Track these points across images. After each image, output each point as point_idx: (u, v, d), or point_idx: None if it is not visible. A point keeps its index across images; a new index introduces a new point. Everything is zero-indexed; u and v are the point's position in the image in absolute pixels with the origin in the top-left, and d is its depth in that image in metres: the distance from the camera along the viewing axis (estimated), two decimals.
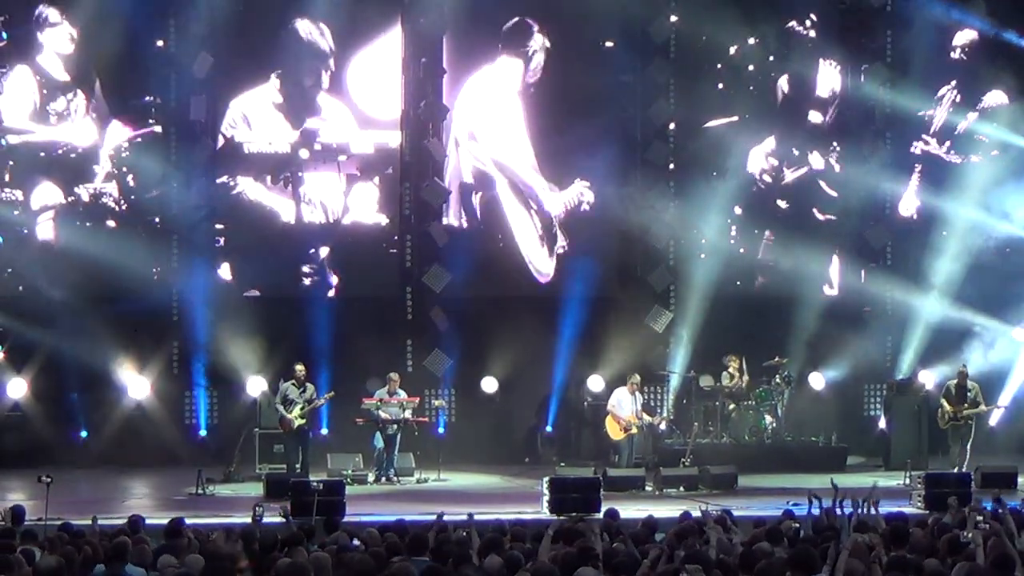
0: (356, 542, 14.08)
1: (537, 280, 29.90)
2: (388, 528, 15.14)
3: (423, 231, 29.06)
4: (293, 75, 28.89)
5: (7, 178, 27.92)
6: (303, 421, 25.45)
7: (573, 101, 29.42)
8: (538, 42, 29.75)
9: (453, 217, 29.65)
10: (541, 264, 30.06)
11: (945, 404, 26.46)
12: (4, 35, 27.55)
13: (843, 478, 20.25)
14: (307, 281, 29.22)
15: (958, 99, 31.08)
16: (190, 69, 27.89)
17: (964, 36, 31.04)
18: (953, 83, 31.05)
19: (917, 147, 31.01)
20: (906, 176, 30.80)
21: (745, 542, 13.28)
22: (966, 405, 26.37)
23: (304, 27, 28.80)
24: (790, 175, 30.67)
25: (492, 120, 29.91)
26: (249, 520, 15.40)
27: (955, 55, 31.13)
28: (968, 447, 26.21)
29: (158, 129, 28.39)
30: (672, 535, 13.62)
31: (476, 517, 16.04)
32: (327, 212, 29.21)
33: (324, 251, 29.23)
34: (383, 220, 29.44)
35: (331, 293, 29.00)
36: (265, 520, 15.35)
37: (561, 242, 30.05)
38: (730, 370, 28.28)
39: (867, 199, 30.35)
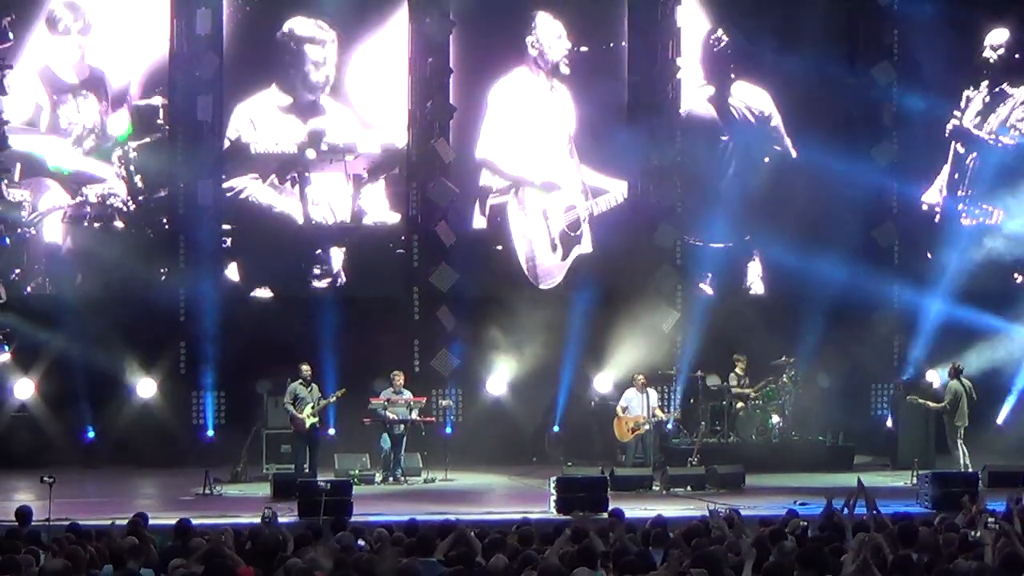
0: (361, 543, 14.09)
1: (536, 286, 29.89)
2: (397, 528, 15.16)
3: (430, 231, 29.04)
4: (296, 75, 28.90)
5: (17, 177, 27.95)
6: (316, 420, 25.46)
7: (601, 99, 29.45)
8: (556, 39, 29.79)
9: (479, 220, 29.71)
10: (546, 270, 30.04)
11: None
12: (11, 35, 27.55)
13: (850, 477, 20.20)
14: (314, 281, 29.23)
15: (987, 98, 31.16)
16: (196, 70, 27.93)
17: (997, 35, 31.14)
18: (985, 83, 31.15)
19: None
20: (914, 174, 30.79)
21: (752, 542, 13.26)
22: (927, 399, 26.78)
23: (304, 25, 28.81)
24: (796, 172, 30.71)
25: (521, 122, 29.89)
26: (258, 521, 15.39)
27: (987, 54, 31.20)
28: (952, 447, 26.09)
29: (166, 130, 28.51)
30: (680, 535, 13.61)
31: (484, 517, 16.07)
32: (334, 212, 29.22)
33: (331, 251, 29.23)
34: (390, 220, 29.44)
35: (338, 293, 28.97)
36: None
37: (587, 244, 30.04)
38: (737, 370, 28.30)
39: (874, 198, 30.35)
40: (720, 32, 30.52)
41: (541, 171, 30.00)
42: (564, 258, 30.09)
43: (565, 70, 29.82)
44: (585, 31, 29.97)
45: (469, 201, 29.58)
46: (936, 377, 29.09)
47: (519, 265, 29.92)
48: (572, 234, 30.10)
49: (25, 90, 27.82)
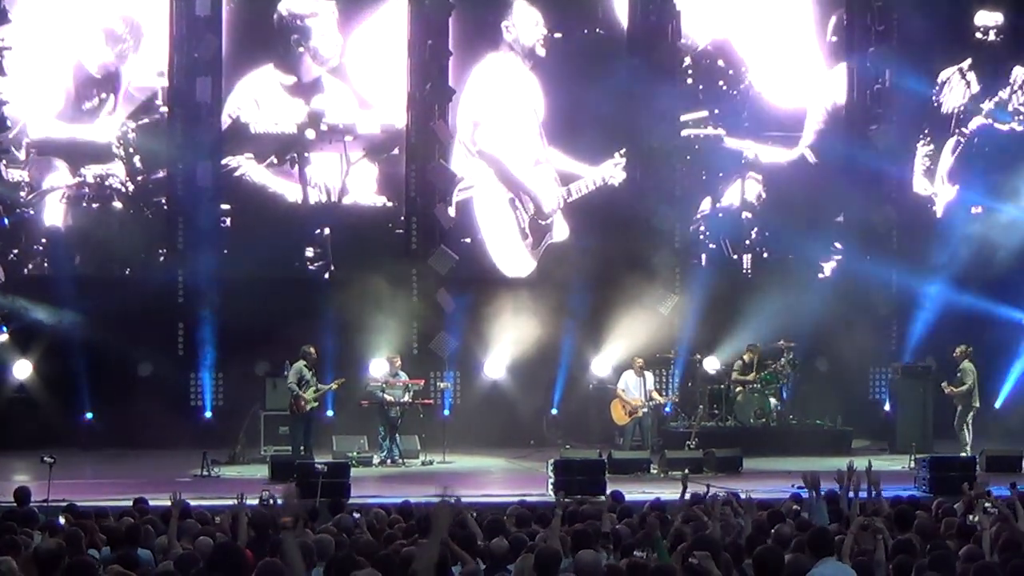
0: (357, 515, 14.11)
1: (506, 275, 29.87)
2: (394, 510, 15.17)
3: (428, 213, 29.01)
4: (303, 50, 28.87)
5: (23, 157, 28.00)
6: (316, 404, 25.47)
7: (580, 85, 29.36)
8: (533, 25, 29.76)
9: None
10: (517, 260, 30.00)
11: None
12: (10, 17, 27.49)
13: (846, 462, 20.16)
14: (312, 262, 29.23)
15: (974, 79, 31.12)
16: (196, 51, 27.89)
17: (986, 17, 31.08)
18: (967, 63, 31.09)
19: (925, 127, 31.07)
20: (911, 158, 30.79)
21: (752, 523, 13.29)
22: (952, 385, 26.59)
23: (306, 5, 28.78)
24: (792, 155, 30.73)
25: (493, 112, 29.86)
26: (255, 503, 15.37)
27: (979, 35, 31.16)
28: (960, 428, 26.18)
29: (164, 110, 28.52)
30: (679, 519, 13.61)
31: (482, 499, 16.06)
32: (332, 193, 29.21)
33: (328, 232, 29.21)
34: (388, 202, 29.43)
35: (335, 274, 28.96)
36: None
37: (560, 233, 29.99)
38: (744, 358, 28.23)
39: (873, 181, 30.37)
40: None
41: (516, 156, 29.96)
42: (536, 246, 30.07)
43: (541, 55, 29.80)
44: (561, 17, 29.93)
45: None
46: (935, 361, 29.16)
47: (489, 256, 29.88)
48: (542, 223, 30.07)
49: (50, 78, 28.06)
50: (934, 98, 31.05)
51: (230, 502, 17.85)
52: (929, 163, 31.15)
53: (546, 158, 30.00)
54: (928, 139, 31.22)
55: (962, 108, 31.29)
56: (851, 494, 14.25)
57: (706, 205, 30.60)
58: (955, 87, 31.16)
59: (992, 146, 31.17)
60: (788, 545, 11.43)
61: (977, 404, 26.40)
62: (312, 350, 25.59)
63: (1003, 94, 31.29)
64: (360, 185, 29.33)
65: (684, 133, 30.02)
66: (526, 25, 29.76)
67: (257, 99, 28.77)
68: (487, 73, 29.77)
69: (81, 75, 28.22)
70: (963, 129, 31.29)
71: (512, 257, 30.03)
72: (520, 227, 30.03)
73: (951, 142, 31.28)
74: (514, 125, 29.96)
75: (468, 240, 29.64)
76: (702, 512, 13.61)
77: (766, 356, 28.37)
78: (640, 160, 30.11)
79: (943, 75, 31.11)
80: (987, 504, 13.15)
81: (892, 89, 30.34)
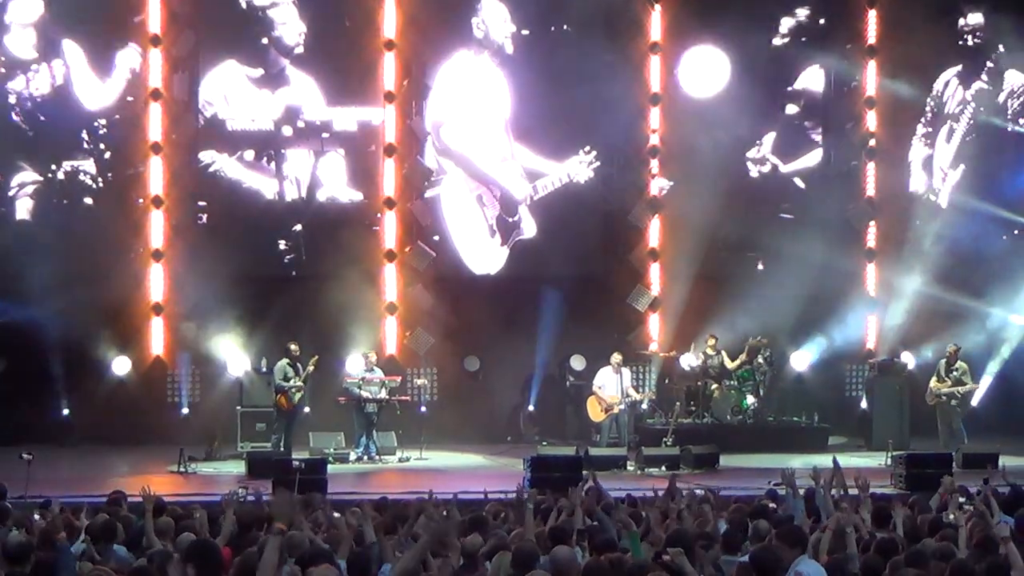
0: (338, 515, 14.11)
1: (475, 273, 29.83)
2: (371, 506, 15.12)
3: (405, 210, 28.98)
4: (261, 46, 28.79)
5: None
6: (302, 394, 25.53)
7: (556, 78, 29.33)
8: (502, 22, 29.72)
9: None
10: (485, 257, 29.95)
11: (932, 381, 26.71)
12: None
13: (823, 458, 20.22)
14: (289, 259, 29.16)
15: (959, 82, 31.16)
16: (172, 47, 27.83)
17: (973, 18, 31.10)
18: (959, 67, 31.12)
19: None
20: (890, 155, 30.82)
21: (730, 521, 13.31)
22: (948, 383, 26.58)
23: None
24: (773, 154, 30.73)
25: (460, 109, 29.80)
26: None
27: (967, 39, 31.19)
28: (952, 427, 26.35)
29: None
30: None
31: (458, 496, 16.02)
32: (308, 190, 29.14)
33: (305, 228, 29.14)
34: (364, 198, 29.36)
35: (312, 271, 28.89)
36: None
37: (528, 230, 29.94)
38: (708, 348, 28.30)
39: (849, 177, 30.45)
40: None
41: (483, 153, 29.93)
42: (504, 243, 30.02)
43: (509, 52, 29.78)
44: (530, 14, 29.84)
45: None
46: (911, 359, 29.22)
47: (457, 253, 29.84)
48: (509, 219, 30.04)
49: None
50: (929, 99, 31.00)
51: (207, 498, 17.95)
52: (909, 161, 31.14)
53: (512, 155, 29.94)
54: (910, 136, 31.25)
55: (956, 111, 31.28)
56: (832, 492, 14.28)
57: None
58: (952, 89, 31.15)
59: (975, 145, 31.18)
60: (764, 541, 11.43)
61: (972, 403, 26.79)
62: (294, 347, 25.65)
63: (997, 97, 31.26)
64: (335, 181, 29.25)
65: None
66: (495, 22, 29.68)
67: (226, 94, 28.70)
68: (455, 70, 29.68)
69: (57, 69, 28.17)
70: (950, 127, 31.30)
71: (480, 254, 29.92)
72: (488, 224, 29.96)
73: (935, 139, 31.31)
74: (481, 122, 29.87)
75: (436, 237, 29.58)
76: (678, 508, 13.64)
77: (739, 353, 28.33)
78: (614, 157, 30.08)
79: (943, 76, 31.07)
80: (962, 500, 13.19)
81: (872, 85, 30.37)
